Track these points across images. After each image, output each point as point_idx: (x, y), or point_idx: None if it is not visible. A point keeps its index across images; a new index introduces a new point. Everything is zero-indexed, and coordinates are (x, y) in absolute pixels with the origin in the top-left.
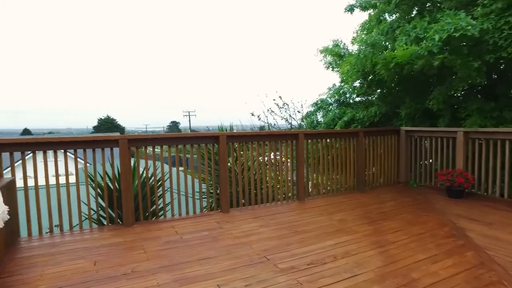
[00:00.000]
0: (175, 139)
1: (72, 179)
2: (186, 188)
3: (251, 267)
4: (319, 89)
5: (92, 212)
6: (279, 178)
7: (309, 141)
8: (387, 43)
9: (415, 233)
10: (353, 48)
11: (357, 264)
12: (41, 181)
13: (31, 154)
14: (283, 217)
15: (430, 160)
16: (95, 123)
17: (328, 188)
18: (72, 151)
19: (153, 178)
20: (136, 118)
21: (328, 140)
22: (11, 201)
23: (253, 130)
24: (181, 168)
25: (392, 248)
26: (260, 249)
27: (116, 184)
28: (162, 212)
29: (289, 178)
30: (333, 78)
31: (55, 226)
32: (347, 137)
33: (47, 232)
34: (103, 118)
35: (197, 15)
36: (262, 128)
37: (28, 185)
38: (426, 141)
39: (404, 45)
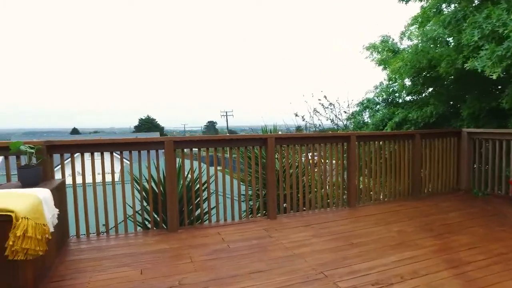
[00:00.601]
0: (221, 141)
1: (118, 181)
2: (232, 192)
3: (308, 284)
4: (362, 88)
5: (135, 215)
6: (328, 183)
7: (360, 143)
8: (449, 37)
9: (495, 252)
10: (403, 43)
11: None
12: (88, 183)
13: (77, 154)
14: (335, 226)
15: (500, 166)
16: (136, 123)
17: (380, 194)
18: (118, 152)
19: (197, 181)
20: (175, 118)
21: (380, 143)
22: (61, 203)
23: (299, 130)
24: (220, 168)
25: (470, 270)
26: (315, 263)
27: (161, 187)
28: (206, 216)
29: (338, 183)
30: (379, 76)
31: (102, 230)
32: (401, 139)
33: (94, 233)
34: (143, 118)
35: (231, 13)
36: (298, 128)
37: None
38: (490, 144)
39: (477, 39)
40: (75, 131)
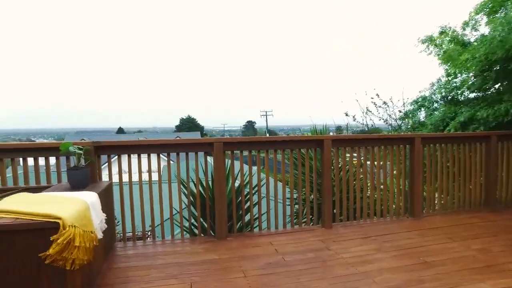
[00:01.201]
0: (274, 143)
1: (164, 181)
2: (284, 198)
3: None
4: (412, 85)
5: (182, 220)
6: (388, 189)
7: (425, 147)
8: None
9: None
10: (468, 34)
11: None
12: (133, 181)
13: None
14: (400, 239)
15: None
16: (177, 122)
17: (447, 203)
18: (165, 154)
19: (246, 185)
20: (214, 118)
21: (447, 145)
22: (108, 205)
23: (340, 131)
24: (265, 171)
25: None
26: (386, 284)
27: (209, 191)
28: (255, 223)
29: (399, 189)
30: (434, 71)
31: (148, 232)
32: (473, 141)
33: (139, 239)
34: (184, 118)
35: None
36: (339, 129)
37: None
38: None
39: None
40: (120, 130)
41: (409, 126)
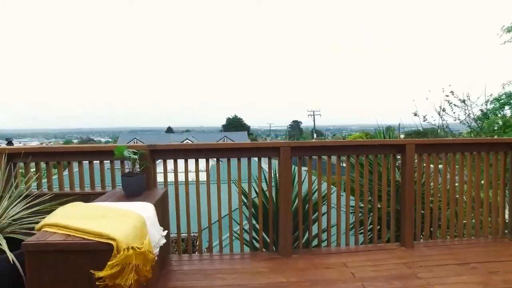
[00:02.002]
0: (348, 147)
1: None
2: (356, 211)
3: None
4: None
5: (242, 232)
6: (483, 203)
7: None
8: None
9: None
10: None
11: None
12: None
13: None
14: (510, 268)
15: None
16: (224, 122)
17: None
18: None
19: (310, 194)
20: (260, 117)
21: None
22: (164, 216)
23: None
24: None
25: None
26: None
27: (272, 201)
28: (322, 237)
29: (496, 205)
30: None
31: (205, 249)
32: None
33: (195, 252)
34: (231, 117)
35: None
36: (385, 129)
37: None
38: None
39: None
40: (169, 129)
41: (495, 128)
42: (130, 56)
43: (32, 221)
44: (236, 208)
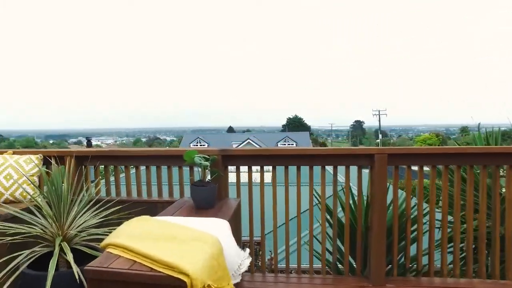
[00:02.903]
0: (467, 156)
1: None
2: (457, 231)
3: None
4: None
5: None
6: None
7: None
8: None
9: None
10: None
11: None
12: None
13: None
14: None
15: None
16: (284, 122)
17: None
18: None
19: (408, 212)
20: (321, 117)
21: None
22: (238, 231)
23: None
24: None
25: None
26: None
27: (362, 218)
28: (413, 264)
29: None
30: None
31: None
32: None
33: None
34: (291, 117)
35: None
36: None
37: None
38: None
39: None
40: (230, 129)
41: None
42: (192, 57)
43: (99, 233)
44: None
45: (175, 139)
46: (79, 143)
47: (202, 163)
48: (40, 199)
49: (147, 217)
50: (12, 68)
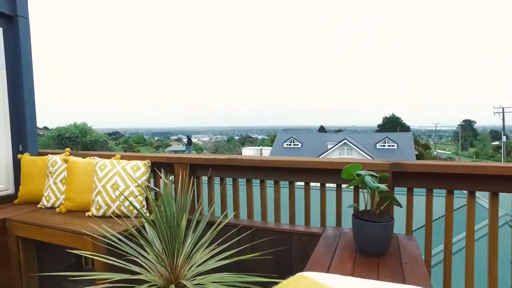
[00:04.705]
0: None
1: None
2: None
3: None
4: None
5: None
6: None
7: None
8: None
9: None
10: None
11: None
12: None
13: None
14: None
15: None
16: (380, 121)
17: None
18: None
19: None
20: (423, 117)
21: None
22: None
23: None
24: None
25: None
26: None
27: None
28: None
29: None
30: None
31: None
32: None
33: None
34: (388, 116)
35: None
36: None
37: None
38: None
39: None
40: (322, 129)
41: None
42: (285, 58)
43: (224, 282)
44: None
45: (266, 137)
46: (179, 140)
47: (375, 186)
48: (148, 228)
49: (308, 278)
50: (126, 72)
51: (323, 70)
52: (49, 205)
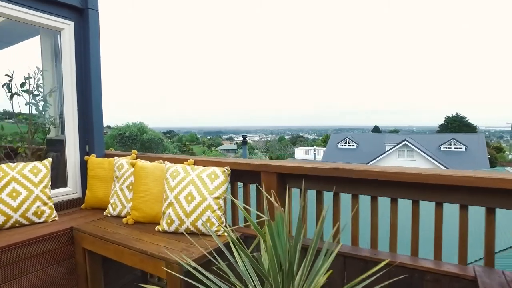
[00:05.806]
0: None
1: None
2: None
3: None
4: None
5: None
6: None
7: None
8: None
9: None
10: None
11: None
12: None
13: None
14: None
15: None
16: (441, 121)
17: None
18: None
19: None
20: (496, 117)
21: None
22: None
23: None
24: None
25: None
26: None
27: None
28: None
29: None
30: None
31: None
32: None
33: None
34: (450, 116)
35: None
36: None
37: None
38: None
39: None
40: (376, 129)
41: None
42: (333, 60)
43: None
44: None
45: (317, 137)
46: (230, 139)
47: None
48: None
49: None
50: (180, 73)
51: (376, 69)
52: (115, 213)
